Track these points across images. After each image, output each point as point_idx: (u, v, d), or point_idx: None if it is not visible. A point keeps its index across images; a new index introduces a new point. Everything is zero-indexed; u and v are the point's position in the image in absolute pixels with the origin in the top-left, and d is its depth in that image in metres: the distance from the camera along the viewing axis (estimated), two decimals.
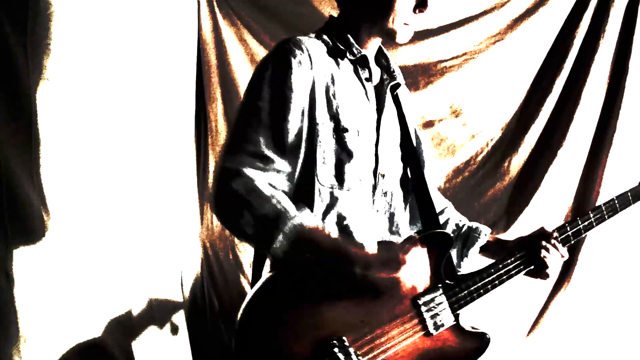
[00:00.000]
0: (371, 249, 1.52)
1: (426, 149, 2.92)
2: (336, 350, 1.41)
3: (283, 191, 1.49)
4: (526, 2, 2.90)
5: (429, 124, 2.98)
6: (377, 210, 1.64)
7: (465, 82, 2.95)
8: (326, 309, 1.44)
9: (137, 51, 2.54)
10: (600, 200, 2.73)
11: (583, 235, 1.75)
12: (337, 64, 1.60)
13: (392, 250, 1.46)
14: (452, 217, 1.93)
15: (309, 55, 1.53)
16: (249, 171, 1.43)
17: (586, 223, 1.74)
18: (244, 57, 3.00)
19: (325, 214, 1.55)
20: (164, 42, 2.75)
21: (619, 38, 2.85)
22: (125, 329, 2.49)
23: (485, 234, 1.83)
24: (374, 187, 1.62)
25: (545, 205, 2.88)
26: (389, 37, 1.62)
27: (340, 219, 1.56)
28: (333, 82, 1.56)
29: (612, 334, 2.90)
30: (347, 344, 1.43)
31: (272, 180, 1.47)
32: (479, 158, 2.99)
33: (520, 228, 2.87)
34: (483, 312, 2.69)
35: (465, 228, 1.88)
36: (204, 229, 2.98)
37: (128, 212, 2.48)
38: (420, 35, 2.91)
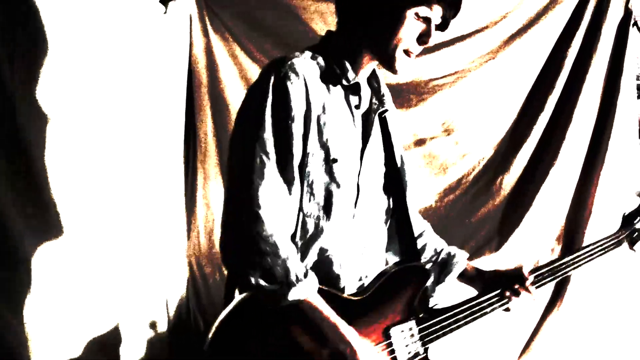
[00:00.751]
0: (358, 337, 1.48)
1: (414, 170, 2.92)
2: None
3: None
4: (518, 21, 2.88)
5: (420, 142, 2.96)
6: (356, 242, 1.62)
7: (457, 101, 2.93)
8: (298, 336, 1.44)
9: (126, 66, 2.53)
10: (592, 220, 2.74)
11: (558, 279, 1.77)
12: (328, 89, 1.55)
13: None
14: (430, 242, 1.90)
15: (305, 81, 1.48)
16: (267, 215, 1.40)
17: (562, 266, 1.77)
18: (235, 74, 2.98)
19: (307, 245, 1.54)
20: (154, 57, 2.74)
21: (611, 56, 2.83)
22: (107, 349, 2.47)
23: (463, 260, 1.82)
24: (353, 218, 1.60)
25: (537, 225, 2.86)
26: (387, 64, 1.55)
27: (323, 250, 1.55)
28: (324, 111, 1.51)
29: (608, 358, 2.85)
30: None
31: (285, 216, 1.46)
32: (471, 177, 2.96)
33: (512, 247, 2.85)
34: (472, 334, 2.68)
35: (443, 254, 1.86)
36: (190, 247, 2.94)
37: (112, 228, 2.45)
38: None
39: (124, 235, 2.53)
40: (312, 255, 1.54)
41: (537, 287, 1.73)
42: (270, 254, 1.39)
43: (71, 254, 2.22)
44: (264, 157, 1.43)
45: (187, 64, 2.97)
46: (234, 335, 1.41)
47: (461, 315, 1.66)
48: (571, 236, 2.85)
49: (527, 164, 2.90)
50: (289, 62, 1.49)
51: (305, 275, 1.43)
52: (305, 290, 1.41)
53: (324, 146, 1.50)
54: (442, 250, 1.88)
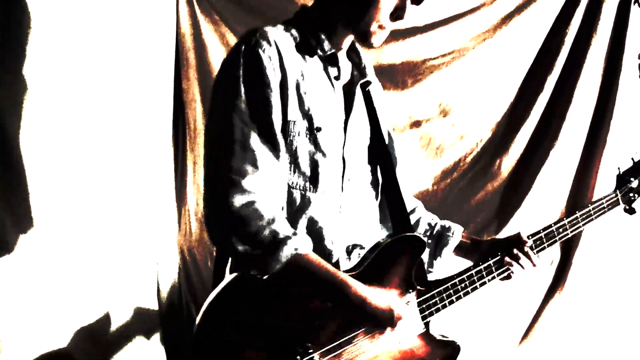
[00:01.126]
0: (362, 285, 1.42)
1: (409, 152, 2.88)
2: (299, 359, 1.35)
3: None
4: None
5: (416, 124, 2.89)
6: (345, 214, 1.56)
7: (454, 81, 2.86)
8: (292, 315, 1.39)
9: (109, 50, 2.48)
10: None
11: (557, 242, 1.72)
12: (305, 60, 1.52)
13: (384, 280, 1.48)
14: (423, 217, 1.87)
15: (277, 48, 1.44)
16: (249, 182, 1.35)
17: (560, 229, 1.72)
18: (224, 56, 2.89)
19: (294, 217, 1.48)
20: (140, 40, 2.68)
21: (612, 35, 2.76)
22: (99, 337, 2.43)
23: (459, 232, 1.79)
24: (341, 191, 1.55)
25: (537, 208, 2.79)
26: (363, 38, 1.53)
27: (312, 222, 1.49)
28: (303, 79, 1.47)
29: (610, 342, 2.81)
30: (311, 351, 1.37)
31: (271, 183, 1.40)
32: (469, 159, 2.89)
33: (512, 231, 2.72)
34: (470, 319, 2.62)
35: (437, 227, 1.82)
36: (181, 234, 2.86)
37: (102, 217, 2.41)
38: (407, 33, 2.82)
39: (113, 222, 2.49)
40: (301, 228, 1.48)
41: (537, 252, 1.69)
42: (253, 218, 1.32)
43: (60, 241, 2.18)
44: (244, 128, 1.38)
45: (174, 47, 2.89)
46: (225, 319, 1.34)
47: (461, 286, 1.61)
48: None
49: (526, 145, 2.83)
50: (260, 31, 1.46)
51: (295, 234, 1.37)
52: (296, 243, 1.35)
53: (306, 115, 1.46)
54: (436, 224, 1.83)
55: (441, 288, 1.59)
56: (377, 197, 1.71)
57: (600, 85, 2.78)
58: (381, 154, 1.68)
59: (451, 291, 1.59)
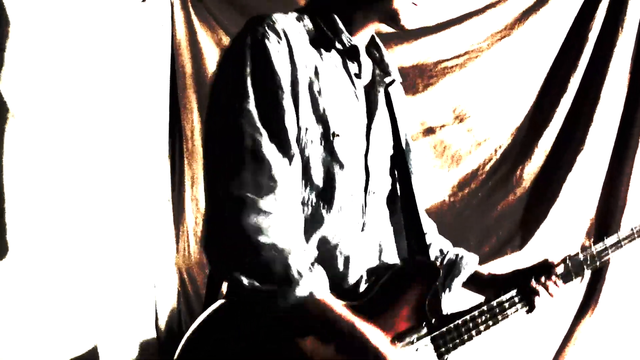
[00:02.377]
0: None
1: (420, 159, 2.67)
2: None
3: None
4: None
5: (429, 131, 2.73)
6: (367, 233, 1.37)
7: (469, 84, 2.70)
8: (288, 351, 1.18)
9: (101, 60, 2.44)
10: (628, 211, 2.47)
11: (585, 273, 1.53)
12: (321, 54, 1.30)
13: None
14: (435, 242, 1.65)
15: (288, 41, 1.23)
16: (267, 202, 1.15)
17: (588, 258, 1.52)
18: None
19: (305, 236, 1.27)
20: (133, 49, 2.62)
21: (639, 31, 2.57)
22: None
23: (473, 263, 1.58)
24: (364, 207, 1.35)
25: (564, 219, 2.60)
26: (391, 20, 1.31)
27: (323, 242, 1.28)
28: (317, 77, 1.26)
29: None
30: None
31: (290, 201, 1.21)
32: (487, 167, 2.72)
33: (538, 245, 2.59)
34: (493, 344, 2.41)
35: (450, 255, 1.60)
36: (180, 255, 2.69)
37: (95, 237, 2.33)
38: (417, 33, 2.69)
39: (107, 244, 2.42)
40: (311, 249, 1.28)
41: (565, 282, 1.50)
42: (267, 247, 1.12)
43: (58, 265, 2.13)
44: (255, 134, 1.17)
45: (169, 56, 2.77)
46: (213, 346, 1.16)
47: (480, 320, 1.41)
48: (604, 230, 2.56)
49: (550, 151, 2.65)
50: (268, 20, 1.24)
51: (311, 269, 1.17)
52: (312, 285, 1.14)
53: (321, 119, 1.25)
54: (448, 251, 1.63)
55: (459, 322, 1.39)
56: (393, 214, 1.51)
57: (628, 85, 2.59)
58: (399, 164, 1.48)
59: (470, 325, 1.40)
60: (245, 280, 1.11)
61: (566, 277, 1.50)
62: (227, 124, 1.19)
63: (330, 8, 1.34)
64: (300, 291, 1.12)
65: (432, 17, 2.65)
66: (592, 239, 2.61)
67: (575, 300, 2.60)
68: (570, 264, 1.50)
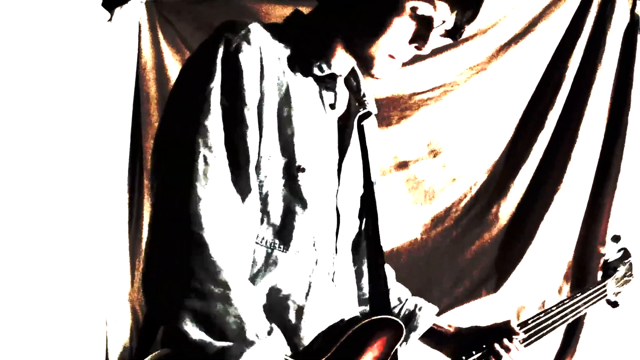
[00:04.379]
0: None
1: (394, 194, 2.57)
2: None
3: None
4: (512, 28, 2.58)
5: (402, 165, 2.62)
6: (336, 284, 1.25)
7: (445, 118, 2.61)
8: None
9: (62, 78, 2.32)
10: (607, 251, 2.36)
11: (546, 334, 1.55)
12: (295, 78, 1.17)
13: None
14: (393, 288, 1.54)
15: (261, 58, 1.09)
16: (216, 242, 0.99)
17: (549, 319, 1.55)
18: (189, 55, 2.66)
19: (252, 281, 1.12)
20: (97, 69, 2.52)
21: (618, 67, 2.52)
22: None
23: (432, 314, 1.51)
24: (335, 253, 1.23)
25: (541, 260, 2.49)
26: (364, 65, 1.22)
27: (273, 290, 1.14)
28: (289, 102, 1.12)
29: None
30: None
31: (242, 240, 1.06)
32: (462, 205, 2.61)
33: (514, 287, 2.47)
34: None
35: (407, 305, 1.51)
36: (134, 290, 2.52)
37: (46, 265, 2.20)
38: None
39: (56, 274, 2.32)
40: (260, 294, 1.13)
41: (526, 345, 1.49)
42: (218, 297, 0.97)
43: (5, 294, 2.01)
44: (208, 154, 1.02)
45: (134, 77, 2.66)
46: None
47: None
48: (581, 273, 2.47)
49: (526, 189, 2.56)
50: (243, 30, 1.10)
51: (270, 332, 1.02)
52: (268, 355, 0.99)
53: (286, 149, 1.11)
54: (407, 300, 1.52)
55: None
56: (355, 262, 1.40)
57: (607, 122, 2.52)
58: (368, 204, 1.36)
59: None
60: (191, 333, 0.95)
61: (526, 340, 1.49)
62: (180, 141, 1.04)
63: (310, 31, 1.22)
64: (252, 356, 0.96)
65: None
66: (570, 284, 2.52)
67: (553, 345, 2.47)
68: (531, 327, 1.50)
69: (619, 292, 1.74)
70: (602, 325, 2.45)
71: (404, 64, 2.57)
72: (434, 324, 1.49)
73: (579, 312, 1.61)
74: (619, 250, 1.76)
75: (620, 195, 2.44)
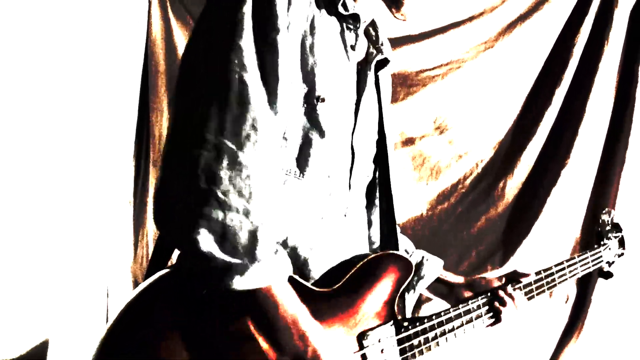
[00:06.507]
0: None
1: (399, 170, 2.56)
2: None
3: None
4: (519, 6, 2.59)
5: (409, 142, 2.62)
6: (348, 220, 1.26)
7: (451, 94, 2.61)
8: (239, 336, 1.03)
9: (76, 54, 2.33)
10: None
11: (547, 291, 1.55)
12: (319, 11, 1.18)
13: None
14: (401, 240, 1.53)
15: None
16: (247, 154, 0.99)
17: (551, 277, 1.55)
18: None
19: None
20: (106, 45, 2.53)
21: (625, 44, 2.51)
22: None
23: (439, 266, 1.55)
24: (349, 189, 1.25)
25: (548, 235, 2.47)
26: (393, 4, 1.25)
27: (287, 218, 1.14)
28: (312, 33, 1.13)
29: None
30: None
31: (269, 157, 1.05)
32: (468, 181, 2.60)
33: (520, 262, 2.44)
34: None
35: (415, 257, 1.53)
36: (136, 261, 2.51)
37: (52, 234, 2.21)
38: (400, 42, 2.60)
39: (59, 243, 2.27)
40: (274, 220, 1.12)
41: (529, 299, 1.50)
42: (236, 210, 0.96)
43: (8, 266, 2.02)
44: (243, 74, 1.01)
45: (143, 51, 2.67)
46: (150, 323, 0.99)
47: (447, 326, 1.34)
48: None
49: (534, 165, 2.55)
50: None
51: (276, 252, 1.03)
52: (272, 273, 1.00)
53: (308, 77, 1.12)
54: (413, 252, 1.54)
55: (427, 325, 1.31)
56: (370, 205, 1.41)
57: (614, 97, 2.51)
58: (381, 152, 1.38)
59: (437, 330, 1.32)
60: (202, 243, 0.94)
61: (527, 294, 1.49)
62: (213, 59, 1.04)
63: None
64: (261, 272, 0.97)
65: (415, 26, 2.59)
66: None
67: (560, 322, 2.43)
68: (534, 281, 1.50)
69: (613, 263, 1.75)
70: (609, 303, 2.42)
71: (411, 41, 2.61)
72: (440, 276, 1.51)
73: (576, 273, 1.61)
74: (611, 225, 1.76)
75: (628, 171, 2.42)
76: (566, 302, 2.43)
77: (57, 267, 2.26)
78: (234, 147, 0.98)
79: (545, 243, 2.45)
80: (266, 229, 0.99)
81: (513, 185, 2.54)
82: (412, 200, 2.56)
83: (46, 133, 2.21)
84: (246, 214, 0.97)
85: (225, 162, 0.96)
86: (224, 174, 0.96)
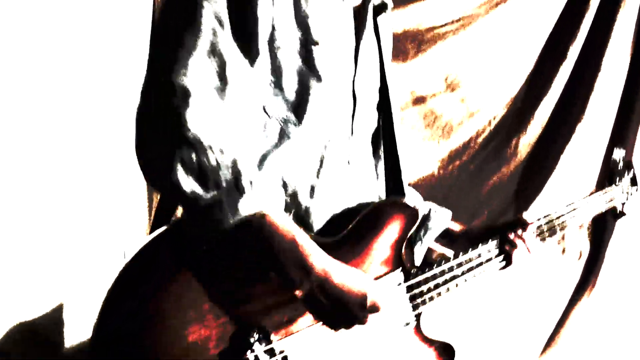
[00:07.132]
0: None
1: (410, 129, 2.55)
2: (257, 345, 1.02)
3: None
4: None
5: (419, 100, 2.59)
6: (351, 167, 1.25)
7: (463, 51, 2.57)
8: (242, 289, 1.04)
9: (79, 19, 2.28)
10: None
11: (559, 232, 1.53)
12: None
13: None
14: (407, 193, 1.53)
15: None
16: (212, 99, 1.00)
17: (562, 217, 1.53)
18: None
19: (266, 156, 1.12)
20: (113, 13, 2.47)
21: None
22: (52, 337, 2.18)
23: (447, 217, 1.53)
24: (351, 134, 1.24)
25: (561, 192, 2.47)
26: None
27: (287, 167, 1.14)
28: None
29: None
30: (272, 338, 1.04)
31: (240, 104, 1.06)
32: (480, 139, 2.59)
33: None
34: (483, 323, 2.26)
35: (421, 208, 1.48)
36: (151, 224, 2.54)
37: (68, 198, 2.18)
38: None
39: (74, 207, 2.24)
40: (268, 170, 1.13)
41: (541, 239, 1.48)
42: (212, 148, 0.96)
43: (16, 231, 1.97)
44: (215, 25, 1.01)
45: (150, 15, 2.64)
46: (154, 277, 1.01)
47: (458, 271, 1.31)
48: None
49: (547, 121, 2.54)
50: None
51: (263, 181, 1.03)
52: (262, 199, 0.98)
53: (302, 22, 1.11)
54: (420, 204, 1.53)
55: (437, 271, 1.28)
56: (376, 154, 1.41)
57: (631, 52, 2.49)
58: (383, 101, 1.36)
59: (447, 276, 1.30)
60: (183, 184, 0.94)
61: (540, 235, 1.47)
62: (187, 6, 1.03)
63: None
64: (250, 202, 0.95)
65: None
66: None
67: (573, 278, 2.46)
68: (543, 223, 1.48)
69: (625, 203, 1.72)
70: (622, 260, 2.43)
71: None
72: (448, 227, 1.50)
73: (587, 212, 1.60)
74: (623, 163, 1.73)
75: None
76: (579, 258, 2.43)
77: (73, 232, 2.30)
78: (199, 91, 0.97)
79: (558, 199, 2.43)
80: (245, 162, 0.99)
81: (526, 142, 2.55)
82: (423, 159, 2.56)
83: (63, 109, 2.23)
84: (221, 150, 0.96)
85: (192, 104, 0.96)
86: (193, 116, 0.95)
